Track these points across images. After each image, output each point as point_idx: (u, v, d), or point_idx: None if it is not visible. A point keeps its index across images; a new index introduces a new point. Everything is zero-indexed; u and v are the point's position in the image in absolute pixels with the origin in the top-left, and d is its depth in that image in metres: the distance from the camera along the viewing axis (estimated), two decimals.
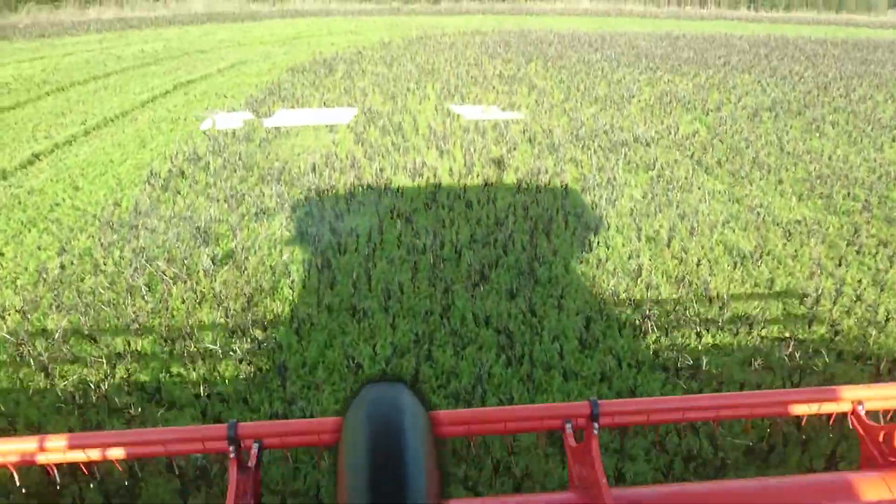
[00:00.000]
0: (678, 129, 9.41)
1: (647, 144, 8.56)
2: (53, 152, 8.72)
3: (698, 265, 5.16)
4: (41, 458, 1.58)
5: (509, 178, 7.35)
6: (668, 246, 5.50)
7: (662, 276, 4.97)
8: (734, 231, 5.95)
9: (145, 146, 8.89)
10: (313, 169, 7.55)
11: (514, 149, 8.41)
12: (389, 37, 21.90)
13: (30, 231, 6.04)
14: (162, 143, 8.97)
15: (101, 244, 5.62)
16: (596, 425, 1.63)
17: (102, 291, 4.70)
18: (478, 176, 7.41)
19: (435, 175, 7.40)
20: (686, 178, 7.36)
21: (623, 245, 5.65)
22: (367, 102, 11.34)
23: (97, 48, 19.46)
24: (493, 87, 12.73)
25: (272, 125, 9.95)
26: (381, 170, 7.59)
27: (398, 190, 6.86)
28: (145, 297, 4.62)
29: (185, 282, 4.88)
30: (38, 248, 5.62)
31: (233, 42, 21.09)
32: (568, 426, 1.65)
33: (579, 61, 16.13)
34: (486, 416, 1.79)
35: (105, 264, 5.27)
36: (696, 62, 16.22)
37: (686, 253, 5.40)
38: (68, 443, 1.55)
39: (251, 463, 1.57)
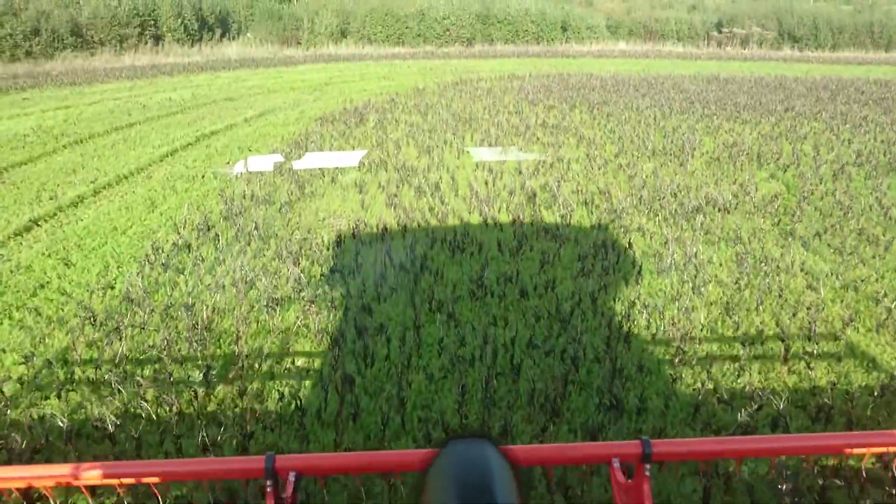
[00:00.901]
0: (756, 189, 8.21)
1: (725, 210, 7.37)
2: (55, 216, 7.85)
3: (833, 388, 3.93)
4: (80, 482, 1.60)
5: (568, 253, 6.22)
6: (785, 361, 4.28)
7: (785, 401, 3.76)
8: (860, 332, 4.72)
9: (155, 209, 7.98)
10: (338, 242, 6.51)
11: (570, 215, 7.30)
12: (423, 82, 21.15)
13: (0, 324, 5.08)
14: (173, 206, 8.06)
15: (83, 341, 4.63)
16: (647, 466, 1.59)
17: (63, 422, 3.64)
18: (531, 250, 6.30)
19: (480, 250, 6.31)
20: (780, 254, 6.15)
21: (721, 351, 4.46)
22: (400, 157, 10.37)
23: (125, 96, 19.02)
24: (537, 138, 11.70)
25: (301, 167, 9.86)
26: (416, 241, 6.53)
27: (437, 272, 5.77)
28: (111, 434, 3.55)
29: (171, 406, 3.82)
30: (3, 351, 4.63)
31: (262, 89, 20.53)
32: (615, 461, 1.59)
33: (627, 108, 15.06)
34: (542, 452, 1.84)
35: (77, 376, 4.25)
36: (754, 108, 15.04)
37: (810, 368, 4.18)
38: (104, 471, 1.59)
39: (286, 494, 1.56)
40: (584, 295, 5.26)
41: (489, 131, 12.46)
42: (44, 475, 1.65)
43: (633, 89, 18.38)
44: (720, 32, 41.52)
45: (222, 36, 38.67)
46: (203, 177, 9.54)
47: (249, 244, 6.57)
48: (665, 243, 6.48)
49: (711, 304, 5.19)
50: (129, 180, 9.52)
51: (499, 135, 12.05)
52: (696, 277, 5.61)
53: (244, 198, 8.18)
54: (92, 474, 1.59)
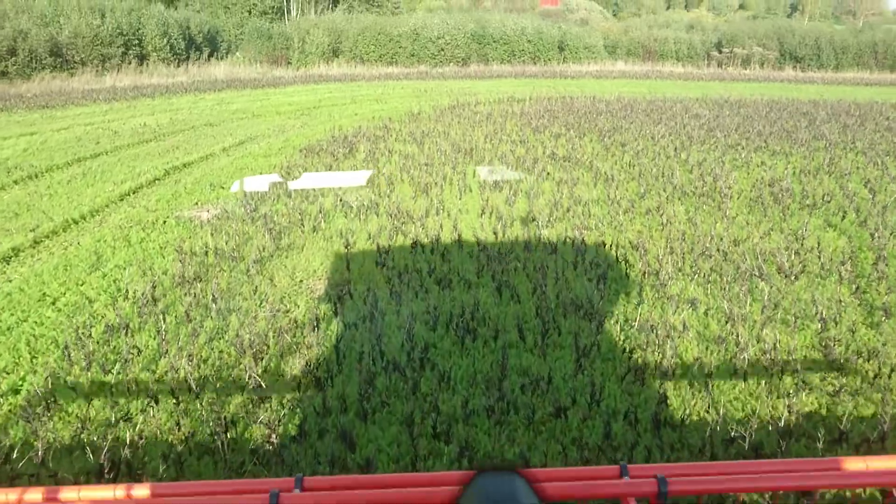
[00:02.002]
0: (818, 243, 6.92)
1: (789, 276, 6.06)
2: None
3: None
4: None
5: (607, 341, 4.89)
6: None
7: None
8: None
9: (98, 268, 6.61)
10: (316, 322, 5.15)
11: (601, 281, 5.97)
12: (418, 106, 19.91)
13: None
14: (122, 263, 6.70)
15: None
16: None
17: None
18: (559, 333, 4.97)
19: (496, 335, 4.97)
20: (881, 341, 4.84)
21: None
22: (393, 197, 9.05)
23: (98, 121, 17.67)
24: (548, 174, 10.41)
25: (299, 187, 9.70)
26: (414, 320, 5.19)
27: (442, 372, 4.42)
28: None
29: None
30: None
31: (247, 113, 19.23)
32: (632, 500, 1.49)
33: (641, 136, 13.82)
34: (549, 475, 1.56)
35: None
36: (778, 136, 13.82)
37: None
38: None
39: None
40: (642, 412, 3.92)
41: (493, 164, 11.18)
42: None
43: (644, 115, 17.17)
44: (721, 52, 40.65)
45: (210, 55, 37.49)
46: (164, 222, 8.18)
47: (204, 324, 5.21)
48: (727, 321, 5.16)
49: (807, 415, 3.86)
50: (77, 226, 8.15)
51: (504, 168, 10.76)
52: (779, 379, 4.28)
53: (206, 254, 6.82)
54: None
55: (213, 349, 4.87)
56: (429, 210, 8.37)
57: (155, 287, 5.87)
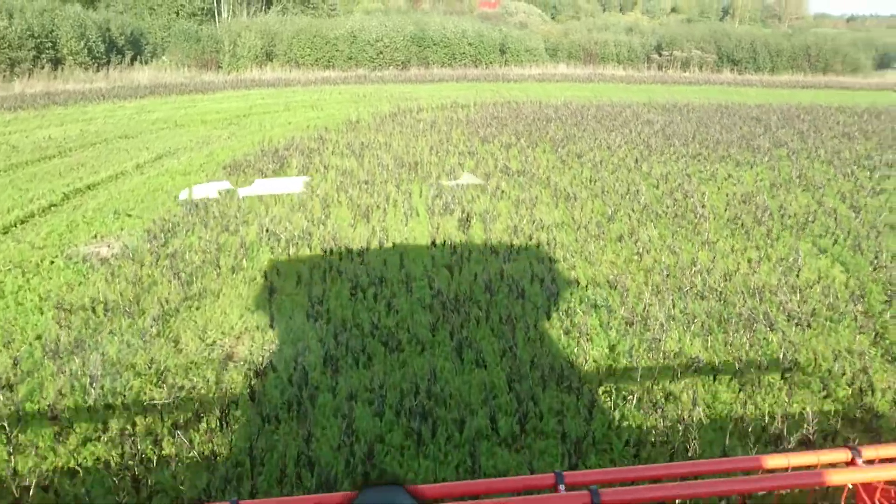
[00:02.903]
0: (818, 276, 6.08)
1: (800, 322, 5.15)
2: None
3: None
4: None
5: (601, 426, 3.86)
6: None
7: None
8: None
9: None
10: (225, 413, 3.95)
11: (583, 337, 4.95)
12: (357, 113, 18.67)
13: None
14: None
15: None
16: None
17: None
18: (541, 418, 3.91)
19: (462, 426, 3.87)
20: None
21: None
22: (329, 225, 7.86)
23: None
24: (502, 192, 9.39)
25: (248, 194, 9.27)
26: (354, 398, 4.06)
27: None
28: None
29: None
30: None
31: (169, 122, 17.62)
32: None
33: (597, 146, 12.97)
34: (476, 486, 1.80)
35: None
36: (738, 144, 13.18)
37: None
38: None
39: None
40: None
41: (440, 179, 10.10)
42: None
43: (595, 121, 16.39)
44: (660, 55, 40.67)
45: (133, 59, 35.21)
46: (51, 263, 6.78)
47: (74, 424, 3.94)
48: (741, 388, 4.20)
49: None
50: None
51: (454, 188, 9.69)
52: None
53: (94, 310, 5.51)
54: None
55: (84, 457, 3.63)
56: (370, 241, 7.22)
57: (17, 364, 4.54)
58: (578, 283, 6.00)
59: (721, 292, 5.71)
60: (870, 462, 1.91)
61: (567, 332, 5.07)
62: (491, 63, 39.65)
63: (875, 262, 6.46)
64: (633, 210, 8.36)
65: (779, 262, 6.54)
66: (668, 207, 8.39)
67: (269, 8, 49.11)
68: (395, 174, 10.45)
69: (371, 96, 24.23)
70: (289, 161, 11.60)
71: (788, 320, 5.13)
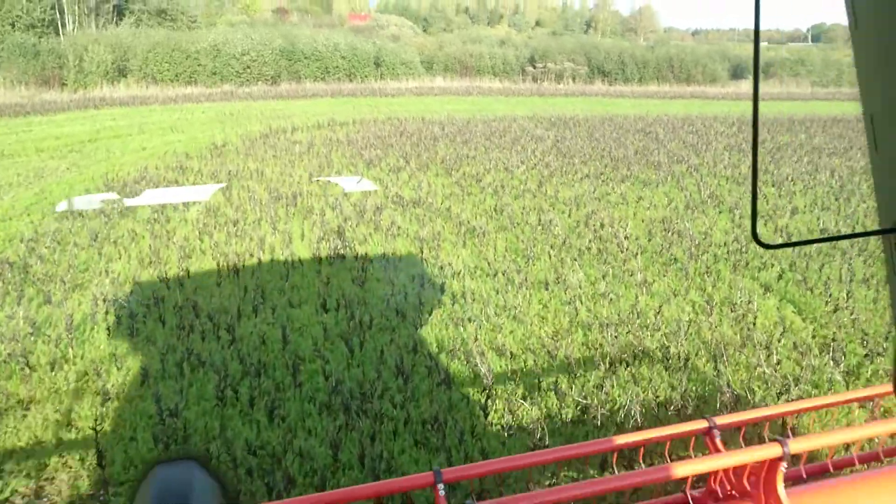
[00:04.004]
0: (780, 327, 5.24)
1: (789, 399, 4.21)
2: None
3: None
4: None
5: None
6: None
7: None
8: None
9: None
10: None
11: (514, 429, 3.75)
12: (224, 135, 16.75)
13: None
14: None
15: None
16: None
17: None
18: None
19: None
20: None
21: None
22: (187, 285, 6.25)
23: None
24: (398, 228, 8.12)
25: (136, 204, 8.64)
26: None
27: None
28: None
29: None
30: None
31: None
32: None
33: (493, 166, 11.98)
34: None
35: None
36: (636, 161, 12.64)
37: None
38: None
39: None
40: None
41: (325, 216, 8.69)
42: None
43: (484, 138, 15.48)
44: (535, 67, 41.00)
45: None
46: None
47: None
48: None
49: None
50: None
51: (340, 224, 8.31)
52: None
53: None
54: None
55: None
56: (241, 306, 5.71)
57: None
58: (512, 355, 4.82)
59: (680, 357, 4.71)
60: (724, 427, 2.28)
61: (510, 434, 3.86)
62: (366, 77, 38.38)
63: (829, 299, 5.74)
64: (551, 247, 7.33)
65: (727, 306, 5.69)
66: (589, 241, 7.43)
67: (120, 20, 45.34)
68: (271, 210, 8.91)
69: (239, 115, 22.22)
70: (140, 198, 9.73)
71: (778, 398, 4.18)
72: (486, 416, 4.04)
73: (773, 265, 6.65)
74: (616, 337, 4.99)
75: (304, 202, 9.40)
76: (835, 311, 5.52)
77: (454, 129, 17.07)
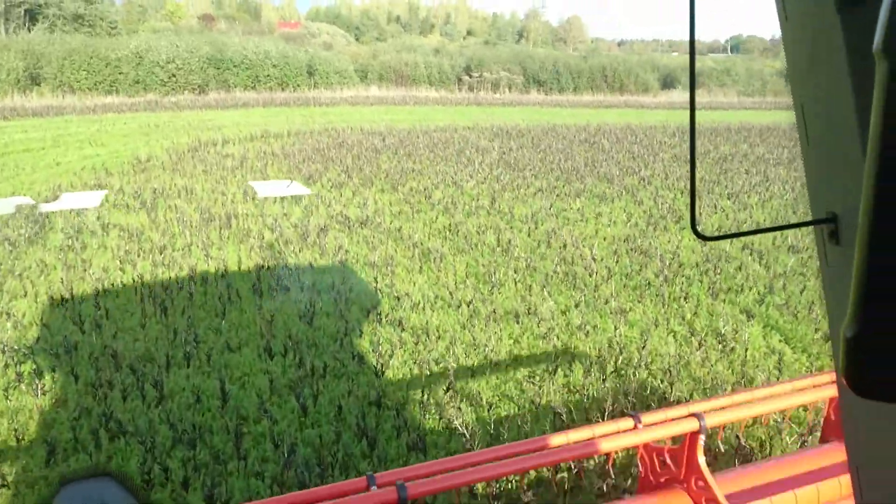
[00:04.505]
0: (777, 359, 4.83)
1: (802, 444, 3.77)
2: None
3: None
4: None
5: None
6: None
7: None
8: None
9: None
10: None
11: None
12: (148, 148, 15.61)
13: None
14: None
15: None
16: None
17: None
18: None
19: None
20: None
21: None
22: (106, 328, 5.39)
23: None
24: (346, 252, 7.43)
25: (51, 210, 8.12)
26: None
27: None
28: None
29: None
30: None
31: None
32: None
33: (441, 181, 11.41)
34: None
35: None
36: (587, 173, 12.30)
37: None
38: None
39: None
40: None
41: (263, 239, 7.91)
42: None
43: (428, 150, 14.90)
44: (471, 77, 40.79)
45: None
46: None
47: None
48: None
49: None
50: None
51: (281, 249, 7.55)
52: None
53: None
54: None
55: None
56: (171, 354, 4.91)
57: None
58: (491, 406, 4.22)
59: (680, 399, 4.22)
60: (650, 426, 2.36)
61: None
62: (299, 86, 37.34)
63: (817, 325, 5.39)
64: (514, 271, 6.79)
65: (713, 337, 5.26)
66: (554, 265, 6.92)
67: (33, 25, 42.83)
68: (202, 234, 8.06)
69: (165, 126, 20.97)
70: (52, 221, 8.70)
71: (785, 449, 3.73)
72: (471, 491, 3.43)
73: (750, 287, 6.29)
74: (603, 380, 4.46)
75: (240, 224, 8.58)
76: (826, 341, 5.17)
77: (395, 141, 16.43)
